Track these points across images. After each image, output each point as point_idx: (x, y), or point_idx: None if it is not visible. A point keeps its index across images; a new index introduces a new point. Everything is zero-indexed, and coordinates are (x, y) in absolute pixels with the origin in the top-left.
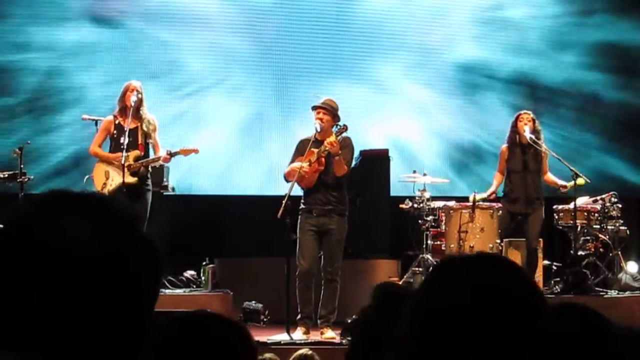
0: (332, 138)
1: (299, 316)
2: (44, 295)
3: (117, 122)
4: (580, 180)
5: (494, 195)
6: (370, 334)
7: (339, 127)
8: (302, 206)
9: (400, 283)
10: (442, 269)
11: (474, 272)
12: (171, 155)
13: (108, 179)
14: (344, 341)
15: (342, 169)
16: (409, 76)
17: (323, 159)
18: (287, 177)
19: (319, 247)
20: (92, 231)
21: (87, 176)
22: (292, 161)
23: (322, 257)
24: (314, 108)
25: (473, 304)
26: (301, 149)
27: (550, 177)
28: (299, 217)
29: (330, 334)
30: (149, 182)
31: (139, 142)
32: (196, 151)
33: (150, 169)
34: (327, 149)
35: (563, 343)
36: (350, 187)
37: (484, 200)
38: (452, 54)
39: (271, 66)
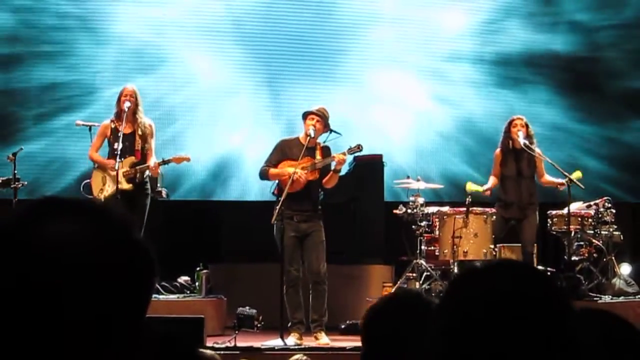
0: (343, 156)
1: (290, 323)
2: (34, 301)
3: (113, 126)
4: (577, 173)
5: (489, 192)
6: (385, 341)
7: (352, 146)
8: (281, 210)
9: (394, 289)
10: (463, 281)
11: (497, 282)
12: (164, 162)
13: (105, 184)
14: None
15: (335, 182)
16: (403, 80)
17: (317, 170)
18: (268, 176)
19: (300, 251)
20: (84, 236)
21: (85, 182)
22: (271, 160)
23: (306, 261)
24: (307, 114)
25: (499, 315)
26: (286, 151)
27: (547, 178)
28: (279, 222)
29: (325, 340)
30: (148, 187)
31: (136, 147)
32: (188, 159)
33: (146, 174)
34: (331, 161)
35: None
36: (344, 192)
37: (477, 192)
38: (450, 58)
39: (265, 72)
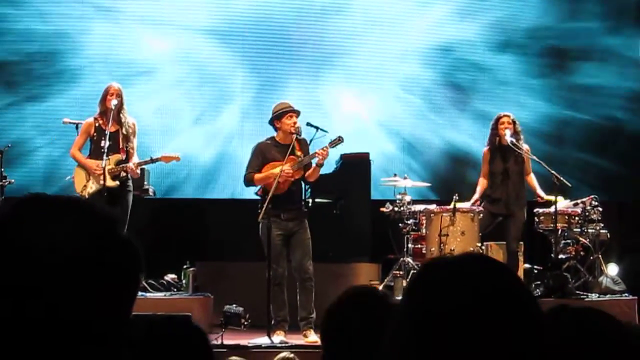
0: (325, 150)
1: (273, 321)
2: (18, 296)
3: (97, 124)
4: (560, 198)
5: (478, 202)
6: (343, 336)
7: (332, 139)
8: (267, 208)
9: (381, 287)
10: (426, 274)
11: (459, 274)
12: (153, 161)
13: (89, 181)
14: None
15: (318, 175)
16: (394, 79)
17: (302, 168)
18: (254, 183)
19: (287, 250)
20: (70, 232)
21: (67, 177)
22: (252, 166)
23: (293, 259)
24: (286, 112)
25: (461, 307)
26: (265, 154)
27: (532, 180)
28: (265, 221)
29: (314, 338)
30: (130, 183)
31: (120, 146)
32: (177, 159)
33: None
34: (315, 157)
35: (565, 348)
36: (331, 190)
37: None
38: (441, 57)
39: (253, 71)
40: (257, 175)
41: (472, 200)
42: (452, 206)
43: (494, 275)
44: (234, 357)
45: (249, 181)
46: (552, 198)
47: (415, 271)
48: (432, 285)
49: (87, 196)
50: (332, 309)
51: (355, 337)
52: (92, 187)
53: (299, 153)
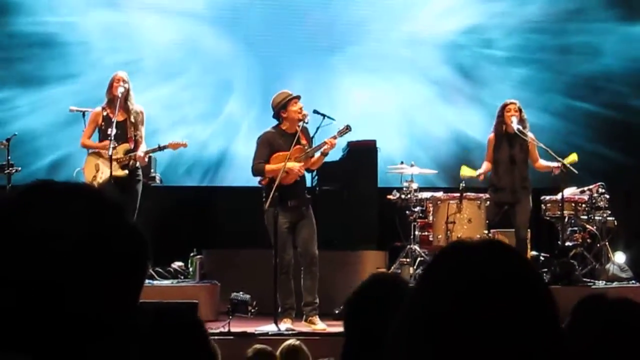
0: (334, 140)
1: (280, 309)
2: (23, 285)
3: (105, 113)
4: (573, 156)
5: (482, 177)
6: (364, 323)
7: (340, 128)
8: (274, 196)
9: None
10: (439, 259)
11: (472, 260)
12: (160, 149)
13: (98, 171)
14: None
15: (321, 164)
16: (402, 68)
17: (310, 157)
18: (264, 174)
19: (293, 237)
20: (78, 220)
21: (77, 169)
22: (260, 156)
23: (300, 245)
24: (291, 99)
25: (472, 292)
26: (272, 143)
27: (542, 163)
28: (271, 209)
29: (321, 326)
30: (139, 172)
31: (128, 135)
32: (185, 145)
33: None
34: (323, 146)
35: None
36: (338, 178)
37: (471, 177)
38: (447, 48)
39: (258, 59)
40: (268, 167)
41: (479, 172)
42: (460, 188)
43: (507, 261)
44: (258, 345)
45: (258, 171)
46: (569, 158)
47: (421, 258)
48: (443, 270)
49: (97, 186)
50: (353, 296)
51: (375, 324)
52: (101, 177)
53: (303, 142)
